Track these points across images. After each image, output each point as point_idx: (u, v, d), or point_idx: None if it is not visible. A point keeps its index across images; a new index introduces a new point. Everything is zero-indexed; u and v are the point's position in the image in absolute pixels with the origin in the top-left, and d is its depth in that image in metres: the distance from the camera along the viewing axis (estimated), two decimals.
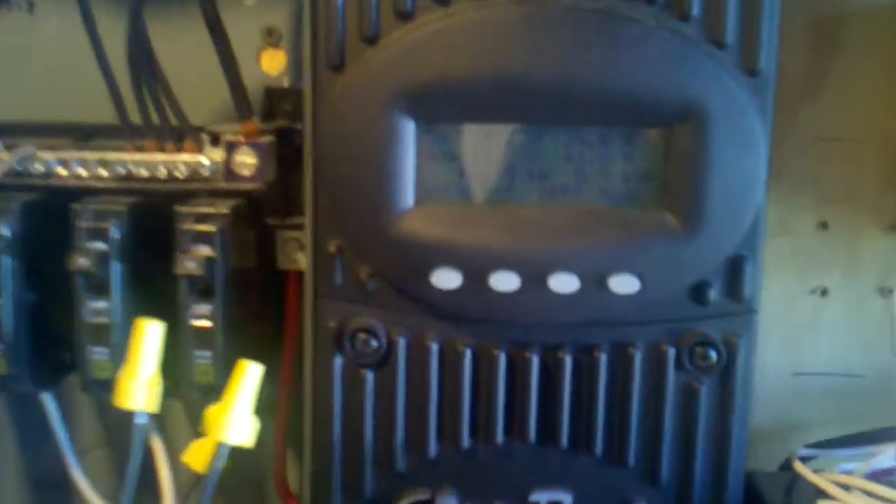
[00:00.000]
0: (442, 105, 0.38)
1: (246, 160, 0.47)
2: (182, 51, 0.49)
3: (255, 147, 0.47)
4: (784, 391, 0.53)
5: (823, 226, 0.52)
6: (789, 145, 0.51)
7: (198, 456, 0.41)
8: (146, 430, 0.42)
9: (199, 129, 0.48)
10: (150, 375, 0.41)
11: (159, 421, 0.44)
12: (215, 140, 0.47)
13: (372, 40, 0.38)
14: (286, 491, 0.52)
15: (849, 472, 0.44)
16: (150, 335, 0.40)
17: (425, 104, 0.37)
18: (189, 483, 0.43)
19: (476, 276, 0.38)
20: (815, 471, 0.44)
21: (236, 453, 0.41)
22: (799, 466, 0.43)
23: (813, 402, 0.53)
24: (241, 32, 0.48)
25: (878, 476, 0.45)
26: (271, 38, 0.50)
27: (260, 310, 0.49)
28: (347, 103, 0.38)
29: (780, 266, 0.52)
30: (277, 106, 0.51)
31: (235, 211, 0.45)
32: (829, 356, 0.53)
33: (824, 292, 0.52)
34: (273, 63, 0.50)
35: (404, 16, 0.37)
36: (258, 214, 0.48)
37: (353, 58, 0.38)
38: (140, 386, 0.40)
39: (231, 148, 0.47)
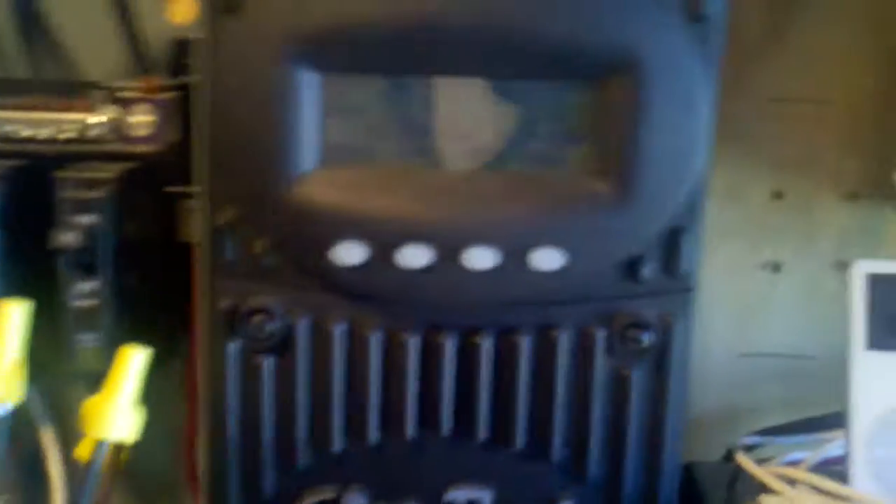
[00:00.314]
0: (347, 53, 0.34)
1: (143, 119, 0.43)
2: None
3: (154, 104, 0.43)
4: (732, 373, 0.50)
5: (778, 195, 0.48)
6: (742, 105, 0.47)
7: (89, 450, 0.37)
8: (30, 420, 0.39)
9: (93, 85, 0.43)
10: (11, 363, 0.36)
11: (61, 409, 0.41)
12: (110, 97, 0.43)
13: None
14: (196, 485, 0.48)
15: (797, 462, 0.41)
16: (12, 319, 0.36)
17: (329, 51, 0.34)
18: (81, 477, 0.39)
19: (382, 250, 0.35)
20: (761, 461, 0.41)
21: (145, 443, 0.38)
22: (741, 458, 0.40)
23: (763, 386, 0.50)
24: None
25: (828, 464, 0.42)
26: None
27: (162, 287, 0.45)
28: (242, 50, 0.34)
29: (730, 238, 0.49)
30: (186, 60, 0.46)
31: (125, 176, 0.41)
32: (780, 336, 0.50)
33: (776, 267, 0.49)
34: (183, 13, 0.46)
35: None
36: (158, 181, 0.43)
37: None
38: (2, 376, 0.36)
39: (126, 105, 0.43)
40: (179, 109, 0.43)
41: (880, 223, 0.48)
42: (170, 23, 0.44)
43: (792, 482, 0.38)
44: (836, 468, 0.41)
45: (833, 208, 0.48)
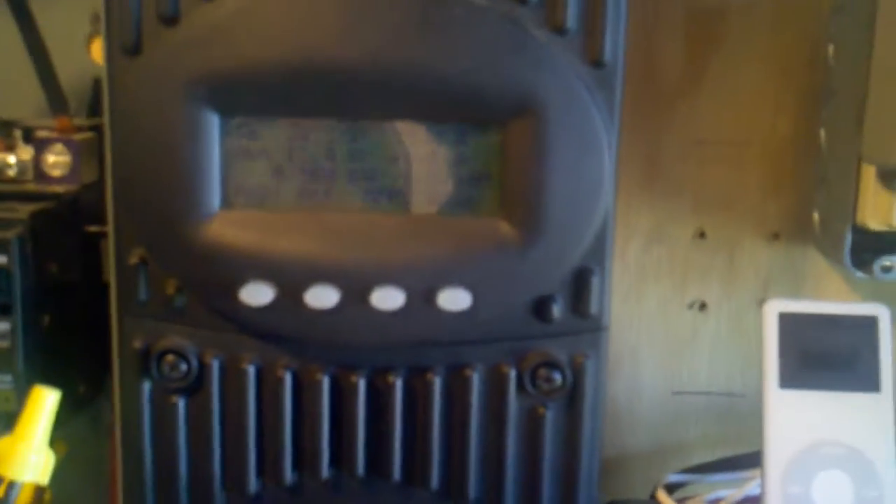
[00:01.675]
0: (248, 95, 0.34)
1: (58, 159, 0.43)
2: None
3: (69, 144, 0.43)
4: (662, 411, 0.50)
5: (701, 235, 0.49)
6: (665, 148, 0.48)
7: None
8: None
9: (8, 124, 0.43)
10: None
11: None
12: (28, 137, 0.43)
13: (170, 20, 0.34)
14: None
15: (718, 501, 0.41)
16: None
17: (230, 94, 0.34)
18: None
19: (290, 291, 0.34)
20: (684, 499, 0.41)
21: (73, 483, 0.38)
22: (662, 496, 0.40)
23: (694, 424, 0.50)
24: (67, 19, 0.44)
25: (749, 502, 0.42)
26: (100, 24, 0.45)
27: (85, 326, 0.44)
28: (144, 92, 0.34)
29: (656, 278, 0.49)
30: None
31: (39, 215, 0.41)
32: (708, 374, 0.50)
33: (703, 306, 0.49)
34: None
35: None
36: (78, 221, 0.43)
37: (149, 40, 0.34)
38: None
39: (42, 145, 0.43)
40: (96, 149, 0.43)
41: (802, 262, 0.48)
42: (92, 62, 0.45)
43: None
44: None
45: (755, 248, 0.49)
